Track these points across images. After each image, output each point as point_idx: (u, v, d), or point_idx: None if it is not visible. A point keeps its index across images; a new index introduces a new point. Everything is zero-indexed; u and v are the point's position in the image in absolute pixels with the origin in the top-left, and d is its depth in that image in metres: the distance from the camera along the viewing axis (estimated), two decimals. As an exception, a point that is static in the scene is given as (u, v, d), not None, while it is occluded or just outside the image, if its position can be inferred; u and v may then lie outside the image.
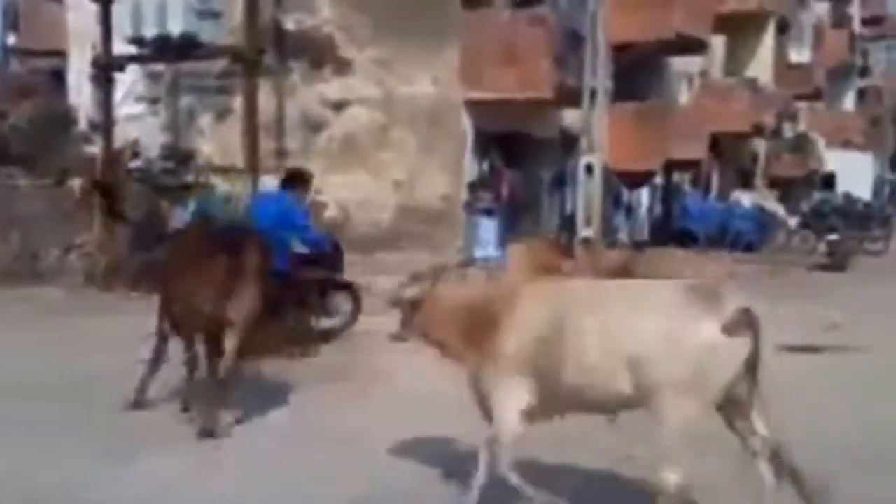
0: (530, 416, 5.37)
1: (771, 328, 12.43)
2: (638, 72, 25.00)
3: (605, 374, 4.98)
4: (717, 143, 30.33)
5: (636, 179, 23.32)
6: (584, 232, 16.43)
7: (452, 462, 6.66)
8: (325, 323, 11.41)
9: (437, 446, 7.07)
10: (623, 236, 22.71)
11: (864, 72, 51.62)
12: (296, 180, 10.50)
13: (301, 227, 10.14)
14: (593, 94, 16.34)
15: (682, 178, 29.36)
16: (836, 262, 22.30)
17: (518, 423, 5.36)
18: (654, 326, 4.85)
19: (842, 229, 23.60)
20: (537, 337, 5.19)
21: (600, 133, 17.01)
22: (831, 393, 9.61)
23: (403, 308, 5.94)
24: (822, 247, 23.10)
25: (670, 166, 25.79)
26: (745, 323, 4.80)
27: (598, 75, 16.33)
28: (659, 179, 26.32)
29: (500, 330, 5.31)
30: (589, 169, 16.37)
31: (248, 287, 7.58)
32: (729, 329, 4.76)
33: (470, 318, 5.52)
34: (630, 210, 24.43)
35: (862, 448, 7.48)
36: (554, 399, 5.28)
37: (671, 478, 4.88)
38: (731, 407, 5.11)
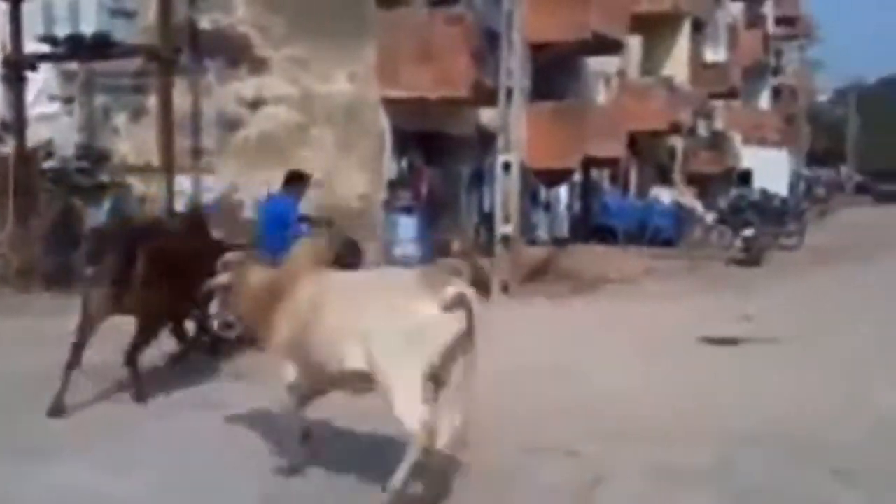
0: (301, 391, 6.14)
1: (691, 320, 12.78)
2: (556, 71, 25.25)
3: (342, 350, 5.61)
4: (635, 141, 30.72)
5: (555, 177, 23.52)
6: (503, 229, 16.53)
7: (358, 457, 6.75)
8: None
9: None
10: (543, 233, 22.89)
11: (778, 71, 52.57)
12: (294, 180, 10.80)
13: (290, 226, 10.27)
14: (509, 92, 16.43)
15: (602, 176, 29.67)
16: (752, 256, 22.70)
17: (292, 398, 6.16)
18: (381, 303, 5.55)
19: (757, 225, 23.97)
20: (302, 320, 5.88)
21: (518, 131, 17.14)
22: (742, 381, 9.93)
23: (219, 293, 6.82)
24: (738, 242, 23.47)
25: (589, 164, 26.04)
26: (460, 304, 5.41)
27: (514, 74, 16.44)
28: (578, 177, 26.54)
29: (279, 313, 6.01)
30: (506, 167, 16.47)
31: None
32: (446, 307, 5.39)
33: (264, 302, 6.20)
34: (549, 207, 24.64)
35: (764, 432, 7.74)
36: (314, 376, 5.95)
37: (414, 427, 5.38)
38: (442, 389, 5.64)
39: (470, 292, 5.49)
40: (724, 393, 9.31)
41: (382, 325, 5.48)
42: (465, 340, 5.47)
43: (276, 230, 9.98)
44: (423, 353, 5.41)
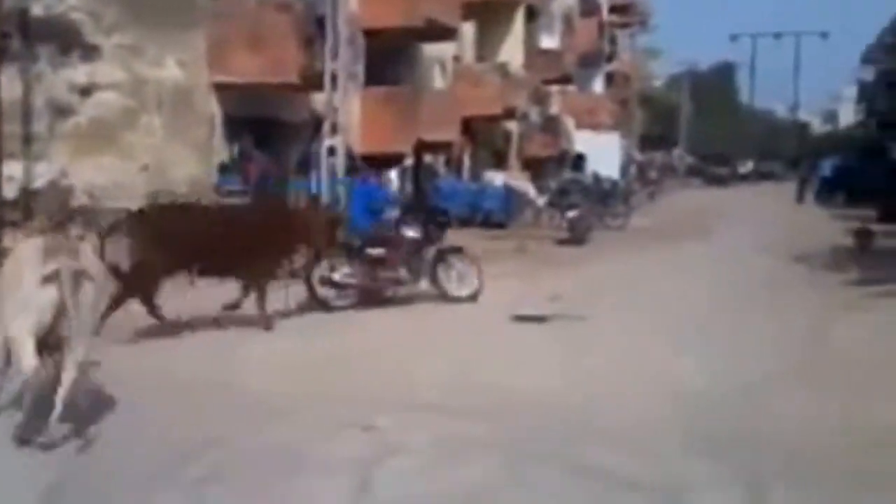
0: None
1: (510, 298, 13.30)
2: (391, 57, 25.68)
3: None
4: (471, 126, 31.32)
5: (387, 161, 23.95)
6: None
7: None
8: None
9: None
10: (373, 217, 23.19)
11: (613, 57, 53.88)
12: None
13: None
14: (334, 77, 16.80)
15: (437, 160, 30.20)
16: (576, 236, 23.50)
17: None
18: (11, 273, 6.81)
19: (582, 206, 24.76)
20: None
21: (346, 116, 17.55)
22: (536, 355, 10.47)
23: None
24: (564, 223, 24.25)
25: (422, 148, 26.54)
26: (56, 277, 6.56)
27: (339, 60, 16.81)
28: (410, 161, 27.02)
29: None
30: (331, 151, 16.84)
31: None
32: (47, 279, 6.54)
33: None
34: (379, 191, 25.00)
35: (547, 401, 8.29)
36: None
37: None
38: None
39: (68, 267, 6.61)
40: (518, 367, 9.78)
41: (5, 293, 6.69)
42: (63, 309, 6.59)
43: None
44: (28, 317, 6.55)
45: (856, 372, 9.61)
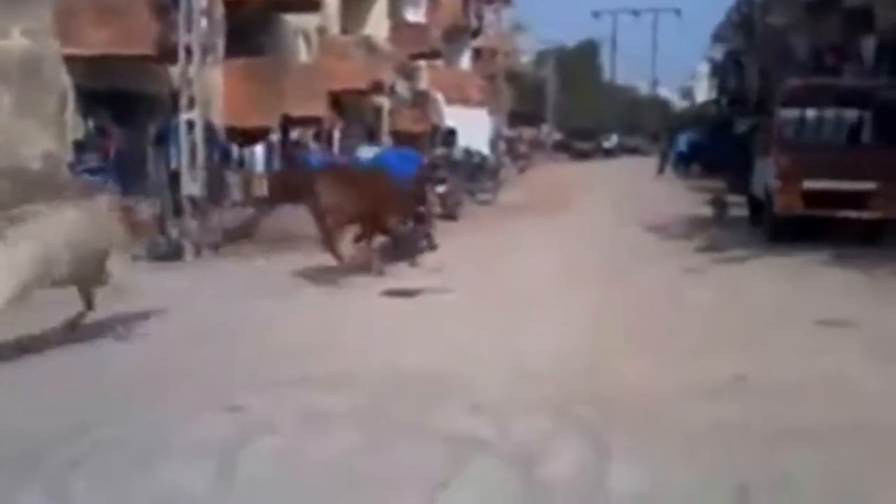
0: None
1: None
2: (253, 28, 24.97)
3: None
4: (339, 101, 30.88)
5: (251, 136, 23.33)
6: (190, 189, 16.28)
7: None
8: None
9: None
10: (237, 194, 22.59)
11: (479, 32, 53.93)
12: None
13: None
14: (189, 49, 16.14)
15: (306, 134, 29.63)
16: (447, 211, 23.38)
17: None
18: None
19: (452, 181, 24.67)
20: None
21: (205, 89, 16.91)
22: (412, 329, 10.37)
23: None
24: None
25: (289, 123, 25.97)
26: None
27: (194, 30, 16.15)
28: (277, 136, 26.42)
29: None
30: (190, 126, 16.20)
31: None
32: None
33: None
34: (242, 166, 24.34)
35: (414, 374, 8.21)
36: None
37: None
38: None
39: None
40: (386, 340, 9.72)
41: None
42: None
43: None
44: None
45: (692, 333, 10.11)
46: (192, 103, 16.28)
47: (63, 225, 8.87)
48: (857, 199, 17.09)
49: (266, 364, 8.57)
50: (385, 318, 11.21)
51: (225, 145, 20.82)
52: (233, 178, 21.85)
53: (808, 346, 9.45)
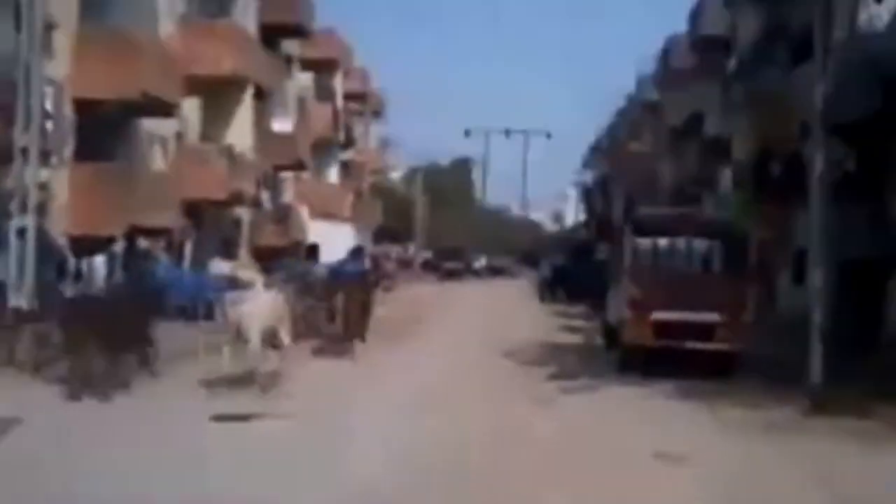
0: None
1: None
2: (106, 132, 24.13)
3: None
4: (197, 210, 29.99)
5: (93, 245, 22.29)
6: (16, 301, 15.28)
7: None
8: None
9: None
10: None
11: (348, 145, 53.69)
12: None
13: None
14: (25, 152, 15.35)
15: (156, 245, 28.61)
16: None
17: None
18: None
19: (308, 300, 24.10)
20: None
21: (44, 194, 16.12)
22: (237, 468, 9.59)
23: None
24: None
25: (136, 232, 25.00)
26: None
27: (32, 131, 15.40)
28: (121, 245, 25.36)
29: None
30: (21, 233, 15.29)
31: None
32: None
33: None
34: (80, 278, 23.18)
35: None
36: None
37: None
38: None
39: None
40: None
41: None
42: None
43: None
44: None
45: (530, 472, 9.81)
46: (24, 208, 15.40)
47: None
48: (703, 331, 17.08)
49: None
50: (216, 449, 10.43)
51: (61, 255, 19.77)
52: (67, 289, 20.73)
53: (642, 484, 9.28)
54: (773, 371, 17.18)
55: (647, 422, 12.88)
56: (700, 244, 18.88)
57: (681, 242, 18.76)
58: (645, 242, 18.73)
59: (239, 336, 14.00)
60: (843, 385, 14.24)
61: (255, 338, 13.82)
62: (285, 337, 14.73)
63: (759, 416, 13.25)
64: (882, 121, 19.01)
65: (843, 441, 11.60)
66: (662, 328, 17.11)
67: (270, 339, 14.46)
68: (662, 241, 18.75)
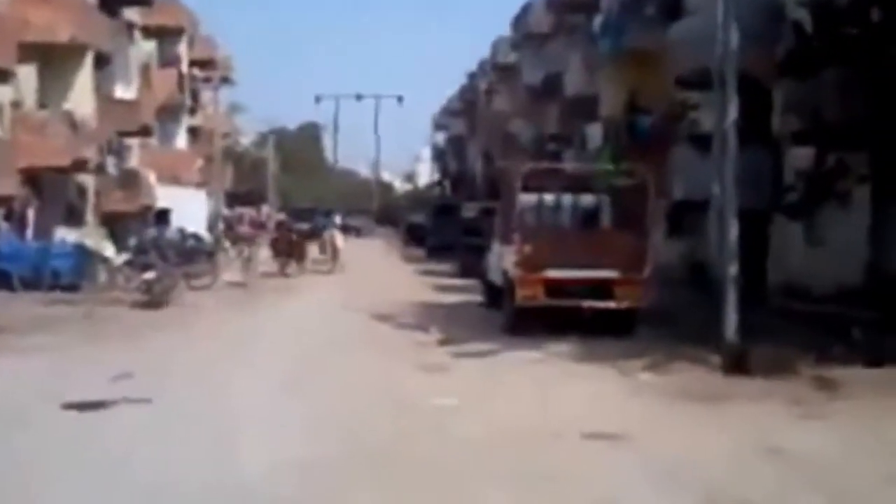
0: None
1: (63, 378, 10.77)
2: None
3: None
4: (37, 178, 28.04)
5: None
6: None
7: None
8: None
9: None
10: None
11: (195, 111, 51.80)
12: None
13: None
14: None
15: (-6, 215, 26.54)
16: (154, 299, 21.23)
17: None
18: None
19: (160, 266, 22.57)
20: None
21: None
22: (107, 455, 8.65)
23: None
24: (141, 285, 21.88)
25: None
26: None
27: None
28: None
29: None
30: None
31: None
32: None
33: None
34: None
35: None
36: None
37: None
38: None
39: None
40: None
41: None
42: None
43: None
44: None
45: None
46: None
47: None
48: (600, 288, 16.17)
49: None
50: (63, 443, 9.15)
51: None
52: None
53: (581, 472, 8.19)
54: (668, 328, 16.49)
55: (559, 390, 11.80)
56: (588, 199, 18.05)
57: (572, 198, 17.88)
58: (532, 199, 17.73)
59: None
60: (748, 340, 13.49)
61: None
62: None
63: (676, 380, 12.44)
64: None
65: (781, 404, 10.78)
66: (556, 287, 16.16)
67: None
68: (552, 197, 17.82)
